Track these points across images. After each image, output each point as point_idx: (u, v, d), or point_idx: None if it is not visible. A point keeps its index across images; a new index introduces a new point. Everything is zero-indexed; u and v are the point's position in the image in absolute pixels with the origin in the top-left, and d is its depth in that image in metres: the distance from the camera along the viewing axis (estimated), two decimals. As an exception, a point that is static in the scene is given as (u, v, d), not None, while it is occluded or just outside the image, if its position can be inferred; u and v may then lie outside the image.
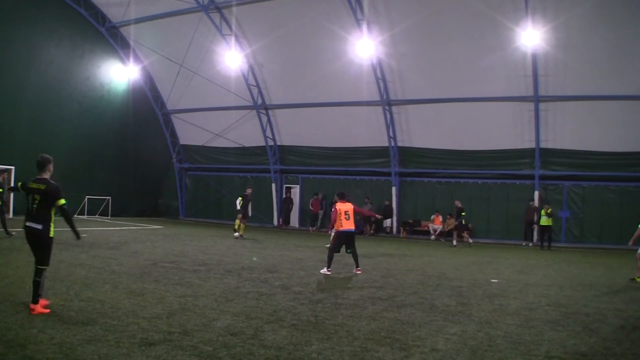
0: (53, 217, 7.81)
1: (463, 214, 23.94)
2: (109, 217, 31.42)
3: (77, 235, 8.19)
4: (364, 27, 25.63)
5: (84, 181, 30.72)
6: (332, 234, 13.81)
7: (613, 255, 20.99)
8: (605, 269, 16.41)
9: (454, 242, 23.98)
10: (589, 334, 7.84)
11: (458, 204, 24.22)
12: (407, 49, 26.47)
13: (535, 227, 25.50)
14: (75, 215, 30.32)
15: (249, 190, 23.69)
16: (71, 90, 30.63)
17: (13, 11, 27.17)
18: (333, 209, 13.46)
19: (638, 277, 13.52)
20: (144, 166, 35.09)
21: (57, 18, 29.35)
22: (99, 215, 31.66)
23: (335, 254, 13.27)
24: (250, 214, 23.87)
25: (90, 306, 8.06)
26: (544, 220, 24.10)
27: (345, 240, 13.30)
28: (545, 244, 23.86)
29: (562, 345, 7.14)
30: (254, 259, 15.58)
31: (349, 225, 13.21)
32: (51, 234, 7.73)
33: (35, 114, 28.40)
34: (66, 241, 16.75)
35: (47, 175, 7.88)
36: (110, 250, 15.58)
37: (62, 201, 7.78)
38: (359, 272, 13.27)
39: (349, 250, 13.45)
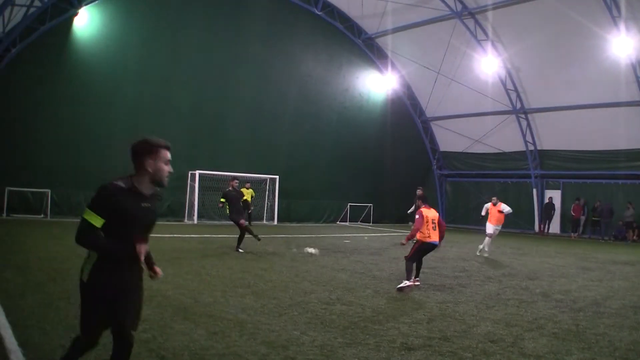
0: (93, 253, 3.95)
1: None
2: (370, 224, 32.54)
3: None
4: (621, 24, 23.40)
5: (345, 189, 32.49)
6: (414, 242, 11.23)
7: None
8: None
9: None
10: None
11: None
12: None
13: None
14: (338, 222, 31.93)
15: None
16: (330, 101, 32.36)
17: (270, 29, 29.37)
18: (418, 215, 11.03)
19: None
20: (403, 173, 35.40)
21: (313, 32, 31.25)
22: (360, 221, 32.94)
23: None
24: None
25: (351, 310, 8.30)
26: None
27: (426, 253, 11.17)
28: None
29: None
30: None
31: (435, 236, 10.93)
32: (84, 278, 3.96)
33: (296, 126, 30.42)
34: (327, 247, 17.56)
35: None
36: (372, 256, 16.10)
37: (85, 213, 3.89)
38: (419, 282, 11.00)
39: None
